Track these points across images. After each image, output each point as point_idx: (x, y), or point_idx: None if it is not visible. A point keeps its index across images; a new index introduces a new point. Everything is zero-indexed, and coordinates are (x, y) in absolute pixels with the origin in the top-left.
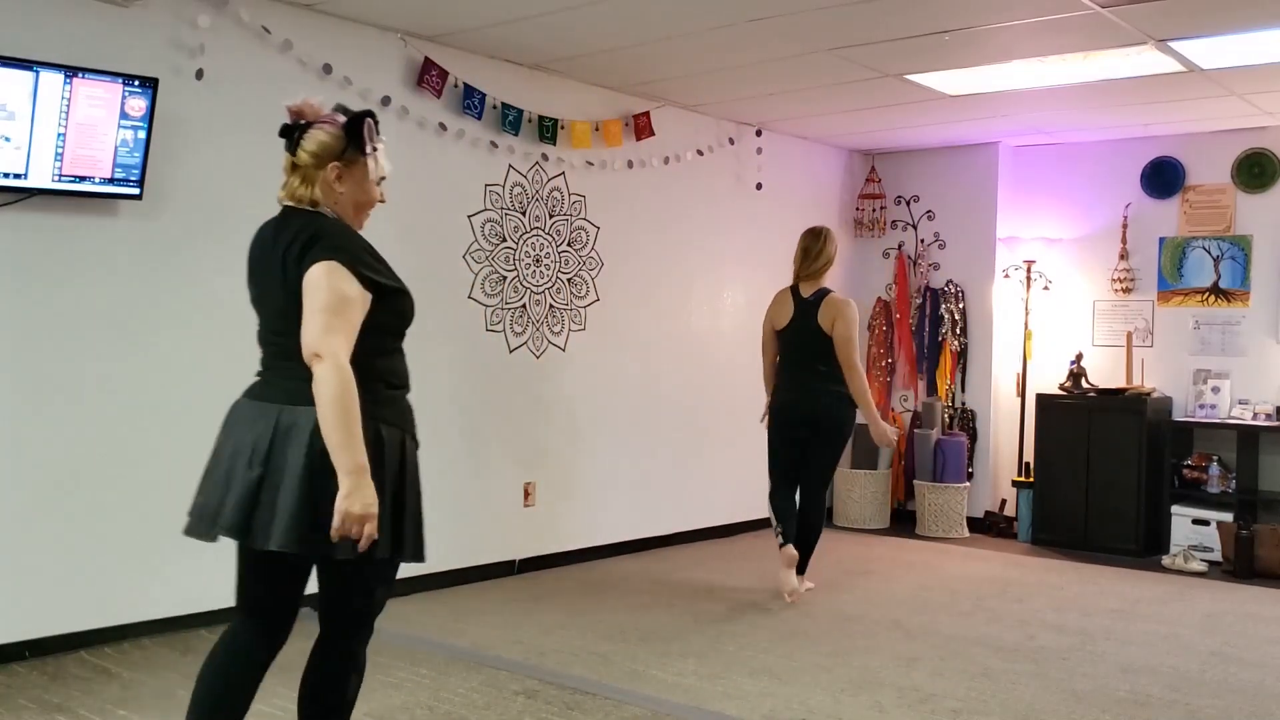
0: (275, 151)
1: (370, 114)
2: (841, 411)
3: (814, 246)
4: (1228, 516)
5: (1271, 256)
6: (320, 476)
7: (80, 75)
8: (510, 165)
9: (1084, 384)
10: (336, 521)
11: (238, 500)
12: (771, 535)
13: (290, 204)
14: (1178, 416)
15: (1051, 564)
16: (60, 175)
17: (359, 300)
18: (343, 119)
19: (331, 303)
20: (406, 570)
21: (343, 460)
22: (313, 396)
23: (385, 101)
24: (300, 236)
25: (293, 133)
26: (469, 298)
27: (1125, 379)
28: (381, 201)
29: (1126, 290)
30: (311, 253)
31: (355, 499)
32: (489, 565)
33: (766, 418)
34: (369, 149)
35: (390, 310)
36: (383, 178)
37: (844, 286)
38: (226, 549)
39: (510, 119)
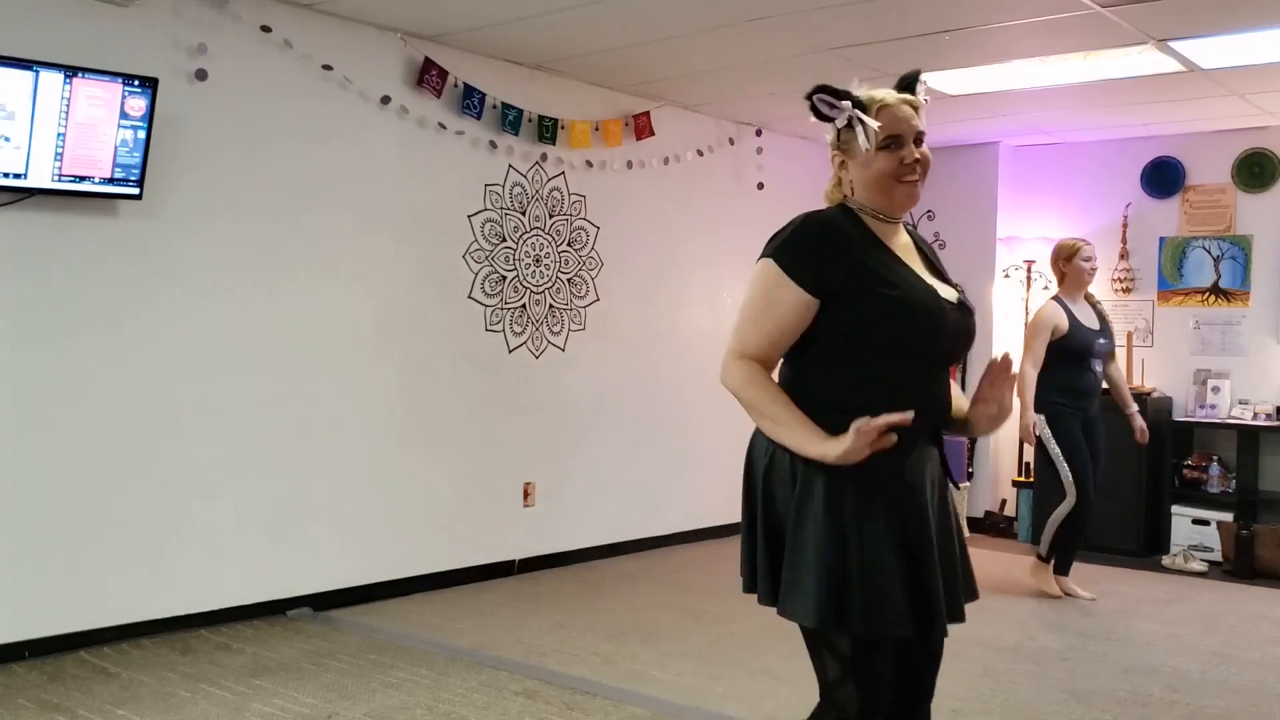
0: (275, 151)
1: (818, 89)
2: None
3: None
4: (1228, 516)
5: (1272, 256)
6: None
7: (80, 75)
8: (510, 165)
9: None
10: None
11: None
12: None
13: None
14: (1178, 416)
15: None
16: (60, 175)
17: (787, 301)
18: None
19: (745, 301)
20: (408, 569)
21: (798, 448)
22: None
23: (385, 101)
24: None
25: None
26: (469, 298)
27: (1125, 379)
28: (911, 165)
29: (1127, 290)
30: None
31: (829, 454)
32: (489, 565)
33: None
34: (841, 121)
35: (850, 317)
36: (892, 137)
37: None
38: (224, 549)
39: (510, 119)
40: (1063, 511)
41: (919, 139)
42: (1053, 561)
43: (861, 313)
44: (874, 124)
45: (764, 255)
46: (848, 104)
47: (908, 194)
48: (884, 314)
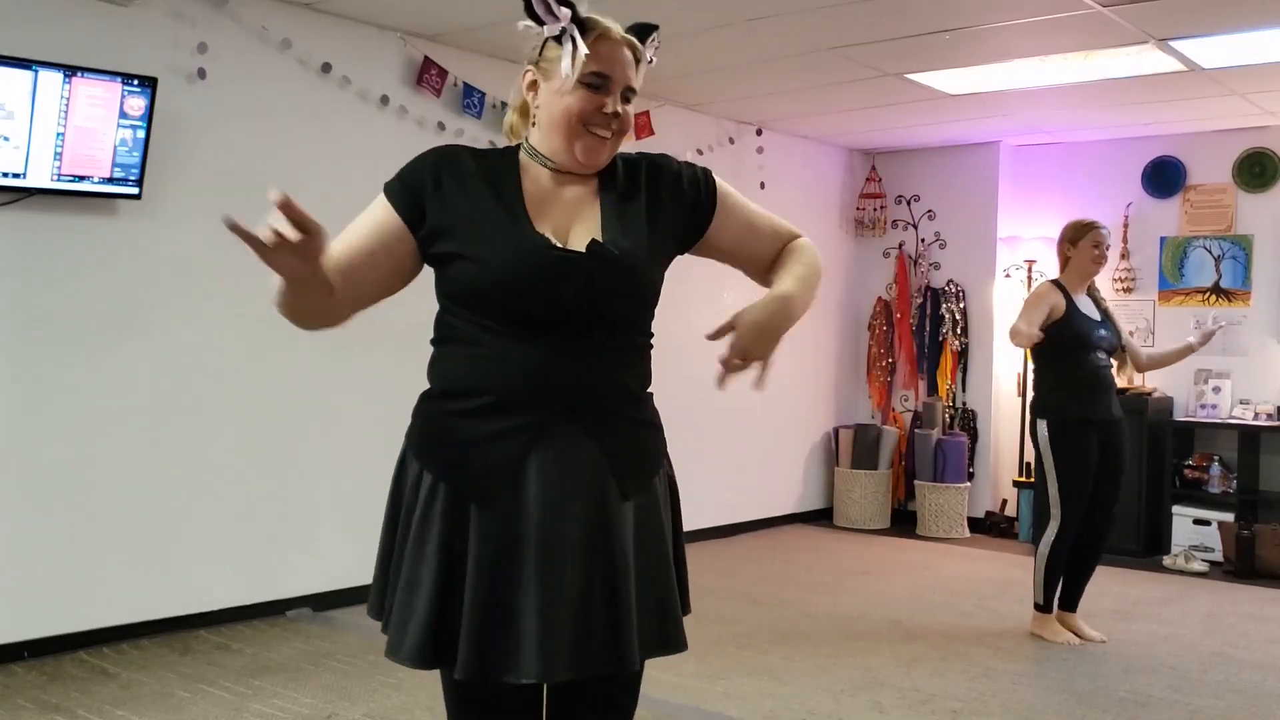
0: (275, 150)
1: None
2: (1033, 420)
3: None
4: (1229, 516)
5: (1272, 256)
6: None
7: (79, 75)
8: None
9: None
10: None
11: None
12: (775, 534)
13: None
14: (1179, 416)
15: None
16: (59, 175)
17: (375, 216)
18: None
19: None
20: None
21: None
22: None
23: (384, 100)
24: None
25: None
26: None
27: (1126, 379)
28: (609, 116)
29: (1128, 290)
30: None
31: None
32: None
33: None
34: (553, 30)
35: (444, 277)
36: (600, 74)
37: (844, 286)
38: (224, 549)
39: None
40: (1048, 541)
41: (629, 94)
42: (1054, 604)
43: (449, 271)
44: (585, 49)
45: None
46: (568, 13)
47: (591, 148)
48: (467, 274)
